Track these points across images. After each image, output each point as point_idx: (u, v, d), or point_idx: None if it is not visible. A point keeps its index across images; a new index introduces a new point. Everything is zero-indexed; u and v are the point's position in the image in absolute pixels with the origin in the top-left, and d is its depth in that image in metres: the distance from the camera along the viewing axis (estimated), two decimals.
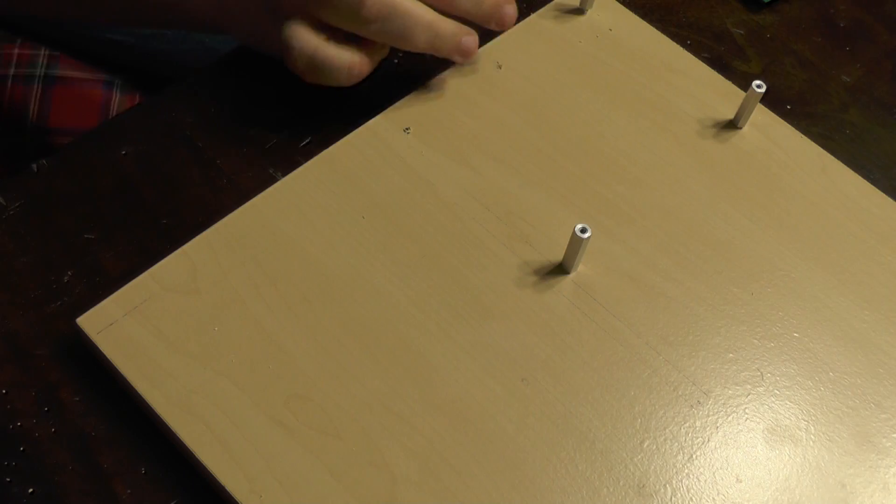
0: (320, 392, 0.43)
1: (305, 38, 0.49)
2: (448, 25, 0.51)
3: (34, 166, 0.50)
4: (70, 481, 0.41)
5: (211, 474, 0.40)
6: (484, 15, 0.52)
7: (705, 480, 0.42)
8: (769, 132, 0.53)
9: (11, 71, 0.76)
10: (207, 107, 0.52)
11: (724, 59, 0.57)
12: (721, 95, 0.54)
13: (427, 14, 0.50)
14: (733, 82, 0.55)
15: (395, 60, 0.56)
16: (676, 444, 0.43)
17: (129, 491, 0.41)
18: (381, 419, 0.42)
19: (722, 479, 0.42)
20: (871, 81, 0.58)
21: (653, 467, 0.42)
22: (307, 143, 0.52)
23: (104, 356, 0.43)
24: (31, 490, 0.41)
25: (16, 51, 0.75)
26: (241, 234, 0.47)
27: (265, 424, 0.42)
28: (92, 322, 0.44)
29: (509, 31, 0.53)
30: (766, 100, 0.53)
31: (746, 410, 0.44)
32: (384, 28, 0.48)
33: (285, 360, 0.43)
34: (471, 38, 0.52)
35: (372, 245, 0.47)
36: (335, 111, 0.53)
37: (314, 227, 0.47)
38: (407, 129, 0.51)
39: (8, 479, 0.41)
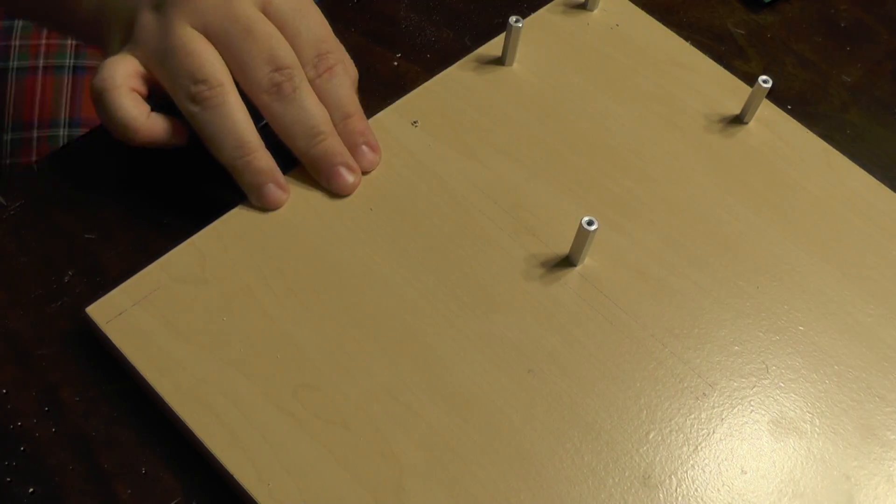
0: (328, 382, 0.43)
1: (113, 74, 0.45)
2: (262, 161, 0.46)
3: (34, 166, 0.50)
4: (70, 481, 0.42)
5: (219, 463, 0.41)
6: (310, 162, 0.47)
7: (710, 472, 0.42)
8: (775, 127, 0.53)
9: (41, 62, 0.76)
10: None
11: (725, 59, 0.57)
12: (727, 91, 0.54)
13: (247, 135, 0.46)
14: None
15: (395, 63, 0.56)
16: (682, 435, 0.43)
17: (129, 491, 0.41)
18: (388, 409, 0.42)
19: (727, 470, 0.42)
20: (871, 81, 0.58)
21: (658, 458, 0.42)
22: None
23: (113, 346, 0.43)
24: (31, 490, 0.41)
25: (42, 41, 0.75)
26: (249, 225, 0.47)
27: (274, 414, 0.42)
28: (101, 312, 0.44)
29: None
30: (768, 99, 0.53)
31: (752, 403, 0.44)
32: (201, 116, 0.45)
33: (293, 351, 0.44)
34: (277, 192, 0.47)
35: (379, 237, 0.47)
36: None
37: (322, 218, 0.48)
38: (415, 122, 0.51)
39: (8, 479, 0.41)
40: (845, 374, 0.45)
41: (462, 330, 0.45)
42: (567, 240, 0.47)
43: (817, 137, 0.53)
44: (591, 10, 0.57)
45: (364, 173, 0.49)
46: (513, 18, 0.52)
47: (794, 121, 0.54)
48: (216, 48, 0.46)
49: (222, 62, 0.46)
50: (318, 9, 0.49)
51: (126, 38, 0.47)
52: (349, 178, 0.48)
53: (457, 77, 0.54)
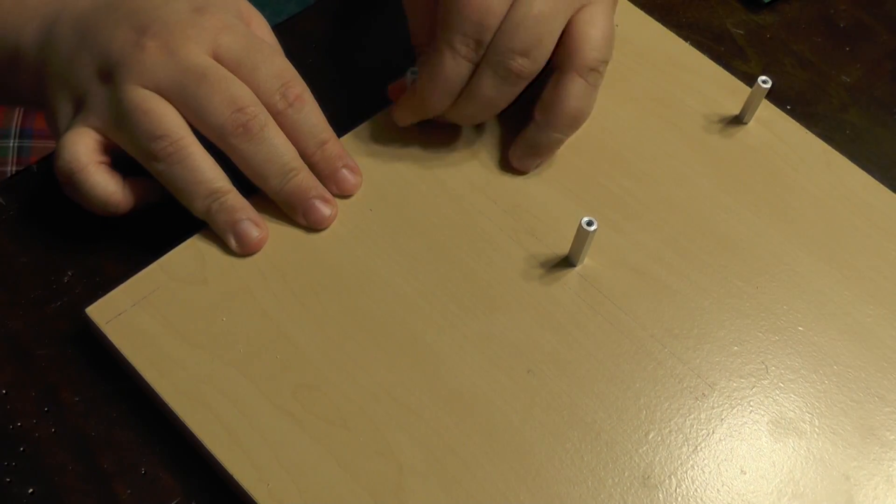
0: (328, 382, 0.43)
1: (77, 153, 0.44)
2: (235, 200, 0.46)
3: (34, 166, 0.50)
4: (70, 481, 0.42)
5: (219, 463, 0.41)
6: (284, 199, 0.47)
7: (710, 472, 0.42)
8: (774, 128, 0.53)
9: None
10: None
11: (724, 59, 0.57)
12: (726, 91, 0.55)
13: (216, 182, 0.45)
14: None
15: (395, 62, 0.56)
16: (681, 435, 0.43)
17: (129, 491, 0.41)
18: (387, 409, 0.42)
19: (726, 470, 0.42)
20: (871, 82, 0.58)
21: (658, 459, 0.42)
22: None
23: (113, 346, 0.43)
24: (31, 490, 0.41)
25: None
26: None
27: (273, 414, 0.42)
28: (101, 312, 0.44)
29: None
30: (767, 99, 0.53)
31: (751, 403, 0.44)
32: (168, 173, 0.44)
33: (293, 351, 0.44)
34: (253, 228, 0.46)
35: (379, 237, 0.47)
36: (335, 111, 0.53)
37: None
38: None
39: (8, 479, 0.41)
40: (845, 374, 0.45)
41: (462, 330, 0.45)
42: (567, 240, 0.47)
43: (816, 137, 0.53)
44: None
45: (345, 197, 0.48)
46: None
47: (794, 121, 0.54)
48: (172, 103, 0.44)
49: (178, 115, 0.44)
50: (270, 42, 0.48)
51: (76, 109, 0.46)
52: (325, 210, 0.47)
53: None
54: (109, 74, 0.45)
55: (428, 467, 0.41)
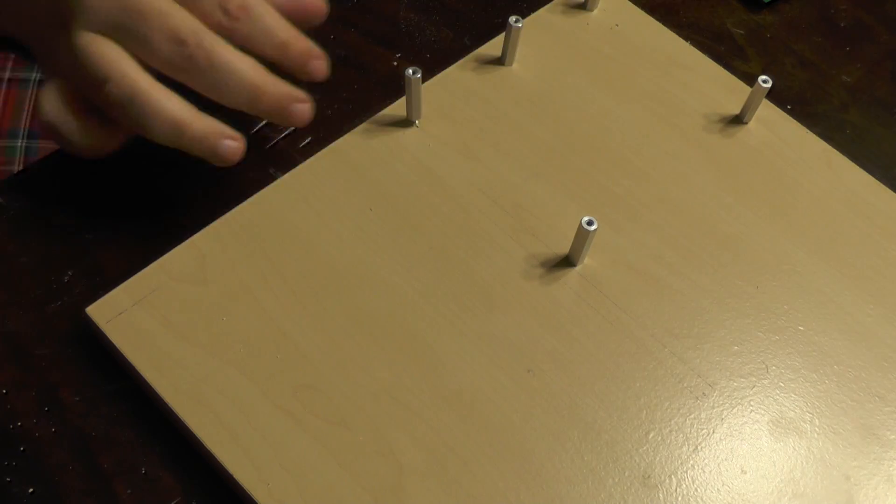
0: (328, 382, 0.43)
1: (52, 107, 0.44)
2: (202, 126, 0.44)
3: (34, 166, 0.50)
4: (70, 481, 0.42)
5: (219, 463, 0.41)
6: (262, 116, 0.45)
7: (710, 472, 0.42)
8: (775, 127, 0.53)
9: (7, 74, 0.76)
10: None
11: (724, 59, 0.57)
12: (727, 91, 0.54)
13: (176, 112, 0.44)
14: None
15: (395, 63, 0.56)
16: (682, 435, 0.43)
17: (129, 491, 0.41)
18: (388, 409, 0.42)
19: (727, 470, 0.42)
20: (871, 81, 0.58)
21: (658, 458, 0.42)
22: (307, 143, 0.52)
23: (113, 346, 0.43)
24: (31, 490, 0.41)
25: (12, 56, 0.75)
26: (249, 225, 0.47)
27: (273, 414, 0.42)
28: (101, 312, 0.44)
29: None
30: (767, 99, 0.53)
31: (751, 402, 0.44)
32: (125, 114, 0.44)
33: (293, 351, 0.44)
34: (231, 145, 0.45)
35: (379, 237, 0.47)
36: (335, 111, 0.53)
37: (322, 218, 0.48)
38: (415, 122, 0.51)
39: (8, 479, 0.41)
40: (845, 373, 0.45)
41: (462, 330, 0.45)
42: (567, 240, 0.47)
43: (817, 137, 0.53)
44: (591, 10, 0.57)
45: (320, 81, 0.47)
46: (512, 18, 0.52)
47: (794, 121, 0.54)
48: (119, 43, 0.43)
49: (124, 54, 0.43)
50: None
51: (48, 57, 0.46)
52: (304, 110, 0.46)
53: (456, 77, 0.54)
54: (64, 24, 0.44)
55: (428, 467, 0.41)
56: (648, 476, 0.42)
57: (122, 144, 0.46)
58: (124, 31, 0.43)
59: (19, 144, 0.77)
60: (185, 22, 0.43)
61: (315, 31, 0.49)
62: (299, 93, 0.45)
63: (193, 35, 0.43)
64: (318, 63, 0.46)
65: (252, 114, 0.45)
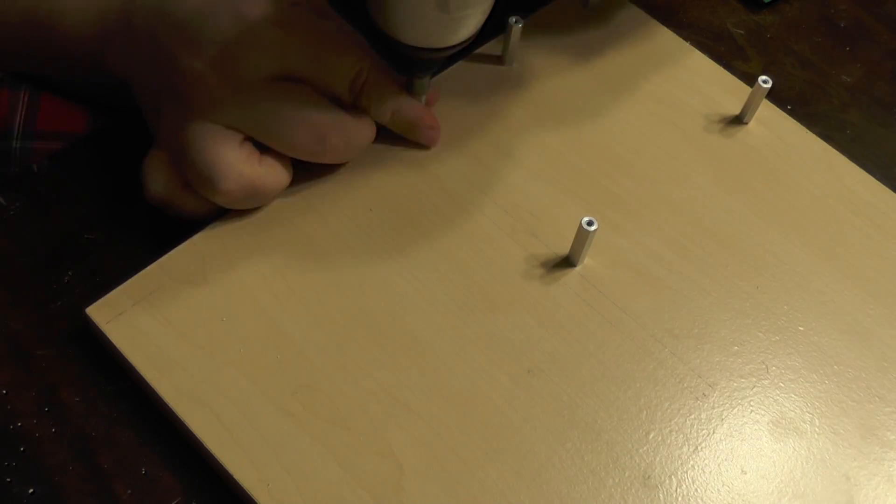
0: (328, 382, 0.43)
1: (157, 185, 0.45)
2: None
3: (34, 166, 0.50)
4: (70, 481, 0.42)
5: (219, 463, 0.41)
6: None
7: (710, 472, 0.42)
8: (775, 128, 0.53)
9: None
10: None
11: (725, 59, 0.57)
12: (727, 91, 0.55)
13: (324, 116, 0.45)
14: None
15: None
16: (682, 435, 0.43)
17: (129, 491, 0.41)
18: (388, 409, 0.42)
19: (727, 470, 0.42)
20: (871, 81, 0.58)
21: (658, 459, 0.42)
22: None
23: (113, 346, 0.43)
24: (31, 490, 0.41)
25: None
26: (249, 225, 0.47)
27: (273, 414, 0.42)
28: (101, 312, 0.44)
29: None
30: (767, 99, 0.53)
31: (751, 403, 0.44)
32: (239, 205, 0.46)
33: (293, 351, 0.44)
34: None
35: (379, 237, 0.47)
36: None
37: (322, 218, 0.48)
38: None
39: (8, 479, 0.41)
40: (845, 374, 0.45)
41: (462, 330, 0.45)
42: (567, 240, 0.47)
43: (817, 137, 0.53)
44: (591, 11, 0.57)
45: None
46: (512, 18, 0.52)
47: (794, 121, 0.54)
48: (241, 132, 0.44)
49: (240, 155, 0.44)
50: (328, 23, 0.46)
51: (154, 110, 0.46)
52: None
53: (457, 77, 0.54)
54: (176, 99, 0.44)
55: (428, 467, 0.41)
56: (648, 476, 0.42)
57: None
58: (257, 129, 0.44)
59: (14, 146, 0.77)
60: (325, 117, 0.45)
61: None
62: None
63: (334, 129, 0.46)
64: (431, 130, 0.50)
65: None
